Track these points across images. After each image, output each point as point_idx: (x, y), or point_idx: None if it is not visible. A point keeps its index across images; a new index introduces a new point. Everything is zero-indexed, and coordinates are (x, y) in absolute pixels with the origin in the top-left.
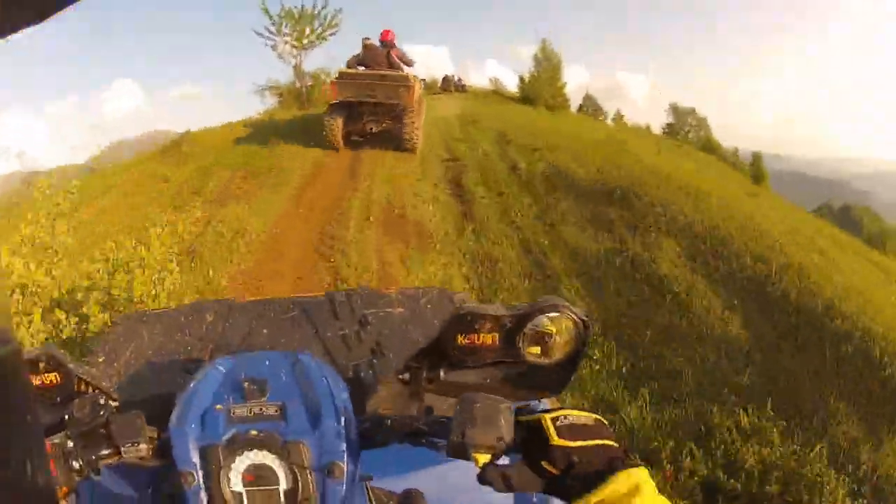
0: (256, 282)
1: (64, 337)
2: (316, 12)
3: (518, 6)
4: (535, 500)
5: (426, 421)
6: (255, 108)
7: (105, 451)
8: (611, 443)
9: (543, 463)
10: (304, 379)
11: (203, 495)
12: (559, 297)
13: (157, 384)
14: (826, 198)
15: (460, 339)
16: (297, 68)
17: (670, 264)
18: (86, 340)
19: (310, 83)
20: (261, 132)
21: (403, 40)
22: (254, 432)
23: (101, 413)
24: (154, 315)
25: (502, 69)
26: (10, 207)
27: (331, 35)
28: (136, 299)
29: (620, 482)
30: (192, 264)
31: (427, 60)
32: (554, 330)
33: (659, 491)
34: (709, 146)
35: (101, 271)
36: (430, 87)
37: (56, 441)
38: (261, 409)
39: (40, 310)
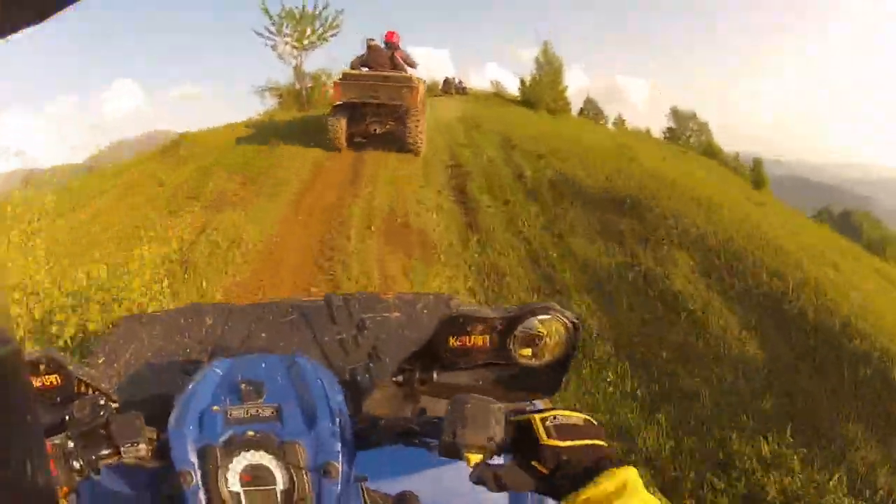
0: (252, 296)
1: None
2: (317, 13)
3: (518, 6)
4: (529, 500)
5: (419, 421)
6: (255, 108)
7: (105, 452)
8: (601, 442)
9: (534, 462)
10: (300, 381)
11: (201, 495)
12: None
13: (156, 386)
14: (826, 203)
15: (452, 341)
16: (297, 69)
17: (684, 280)
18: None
19: (310, 84)
20: (260, 134)
21: (404, 42)
22: (251, 433)
23: (101, 413)
24: (153, 317)
25: (503, 72)
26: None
27: (332, 36)
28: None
29: (608, 480)
30: (186, 275)
31: (427, 63)
32: (545, 332)
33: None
34: (710, 151)
35: (77, 300)
36: (430, 90)
37: (57, 441)
38: (257, 411)
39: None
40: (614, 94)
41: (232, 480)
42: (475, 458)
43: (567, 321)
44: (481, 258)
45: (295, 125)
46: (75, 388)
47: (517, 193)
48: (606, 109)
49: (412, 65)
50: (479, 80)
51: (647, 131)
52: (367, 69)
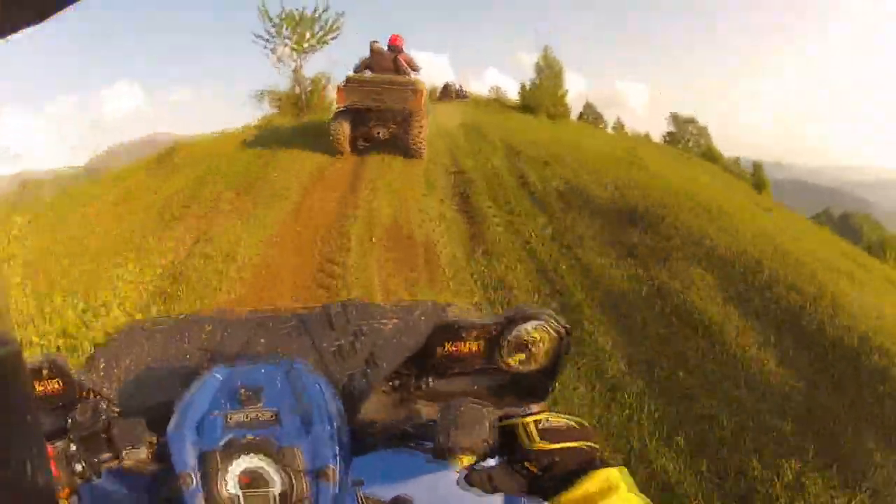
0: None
1: None
2: (317, 16)
3: (518, 6)
4: (524, 501)
5: (412, 426)
6: (253, 112)
7: (106, 455)
8: (591, 444)
9: (525, 464)
10: (297, 386)
11: (200, 498)
12: (542, 307)
13: (156, 392)
14: (826, 205)
15: (446, 347)
16: (296, 72)
17: (700, 295)
18: None
19: (309, 88)
20: (258, 140)
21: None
22: (249, 437)
23: (102, 418)
24: (154, 324)
25: (503, 77)
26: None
27: (332, 39)
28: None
29: (596, 480)
30: (179, 292)
31: (427, 69)
32: (537, 337)
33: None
34: (710, 155)
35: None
36: (430, 95)
37: (59, 444)
38: (256, 416)
39: None
40: (614, 98)
41: (230, 483)
42: (467, 460)
43: (558, 327)
44: (487, 271)
45: (294, 131)
46: (77, 393)
47: (522, 202)
48: (606, 114)
49: (415, 69)
50: (478, 85)
51: (647, 135)
52: (370, 72)
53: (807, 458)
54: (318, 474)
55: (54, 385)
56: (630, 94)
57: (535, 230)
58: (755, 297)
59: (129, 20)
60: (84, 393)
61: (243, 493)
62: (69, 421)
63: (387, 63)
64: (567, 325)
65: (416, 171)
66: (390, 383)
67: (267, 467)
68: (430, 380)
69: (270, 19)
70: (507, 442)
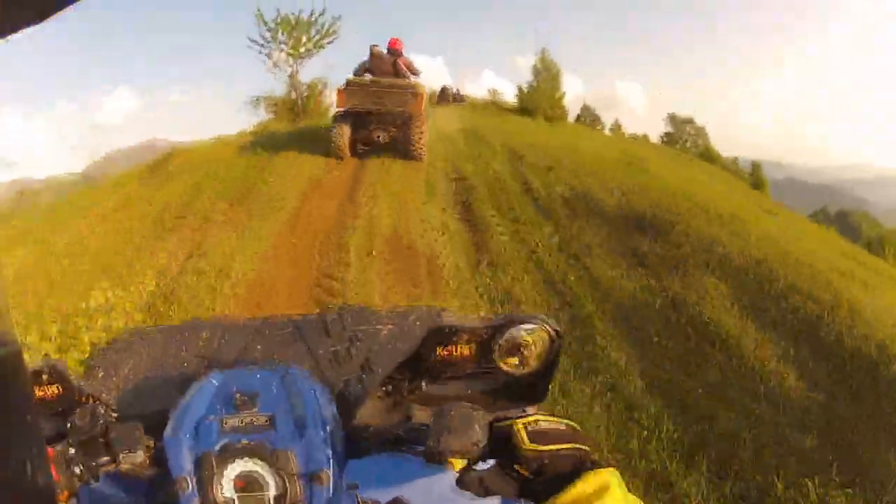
0: None
1: None
2: (313, 20)
3: (518, 6)
4: None
5: (405, 429)
6: (249, 118)
7: (104, 459)
8: (583, 447)
9: (516, 467)
10: (292, 391)
11: (196, 501)
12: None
13: (153, 398)
14: (825, 204)
15: (440, 351)
16: (292, 78)
17: (715, 306)
18: None
19: (305, 94)
20: (254, 146)
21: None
22: (245, 441)
23: (101, 422)
24: (153, 332)
25: (499, 80)
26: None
27: (328, 43)
28: None
29: (588, 482)
30: (171, 311)
31: (424, 72)
32: (530, 341)
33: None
34: (708, 155)
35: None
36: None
37: (58, 448)
38: (251, 420)
39: None
40: (613, 99)
41: (226, 487)
42: (459, 463)
43: (550, 330)
44: (493, 283)
45: (291, 136)
46: (76, 398)
47: (527, 209)
48: (605, 115)
49: (415, 72)
50: (475, 88)
51: (645, 136)
52: (369, 75)
53: (830, 475)
54: (311, 478)
55: (54, 390)
56: (630, 95)
57: (541, 239)
58: (771, 307)
59: (128, 20)
60: (83, 398)
61: (238, 497)
62: (68, 425)
63: (386, 66)
64: (559, 329)
65: (416, 177)
66: (384, 388)
67: (262, 471)
68: (424, 384)
69: (266, 24)
70: (501, 445)
